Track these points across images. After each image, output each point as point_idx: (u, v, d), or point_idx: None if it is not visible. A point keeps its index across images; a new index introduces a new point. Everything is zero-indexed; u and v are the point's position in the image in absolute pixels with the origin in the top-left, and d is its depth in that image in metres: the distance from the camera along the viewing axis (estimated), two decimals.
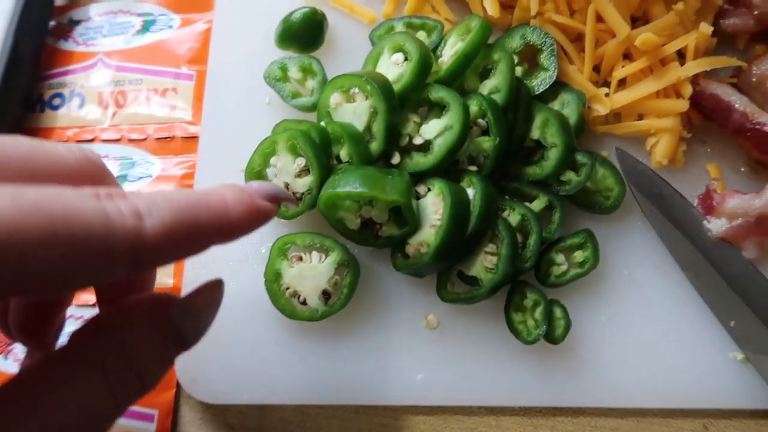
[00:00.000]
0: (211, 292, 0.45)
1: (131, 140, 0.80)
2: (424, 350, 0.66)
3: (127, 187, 0.77)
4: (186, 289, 0.69)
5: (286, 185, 0.66)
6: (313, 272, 0.65)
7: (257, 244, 0.70)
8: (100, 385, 0.36)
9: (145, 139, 0.80)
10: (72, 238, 0.30)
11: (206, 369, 0.66)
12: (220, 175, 0.73)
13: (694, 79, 0.71)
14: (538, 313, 0.64)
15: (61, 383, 0.35)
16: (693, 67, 0.69)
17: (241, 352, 0.66)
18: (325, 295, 0.65)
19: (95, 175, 0.41)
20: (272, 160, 0.67)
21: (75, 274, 0.31)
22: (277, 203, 0.44)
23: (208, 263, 0.69)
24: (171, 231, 0.34)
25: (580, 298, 0.67)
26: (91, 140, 0.80)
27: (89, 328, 0.39)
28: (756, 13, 0.73)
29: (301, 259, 0.66)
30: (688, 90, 0.70)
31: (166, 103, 0.82)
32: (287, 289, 0.65)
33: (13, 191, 0.29)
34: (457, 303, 0.65)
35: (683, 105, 0.69)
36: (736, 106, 0.69)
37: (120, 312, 0.40)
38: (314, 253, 0.66)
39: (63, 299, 0.50)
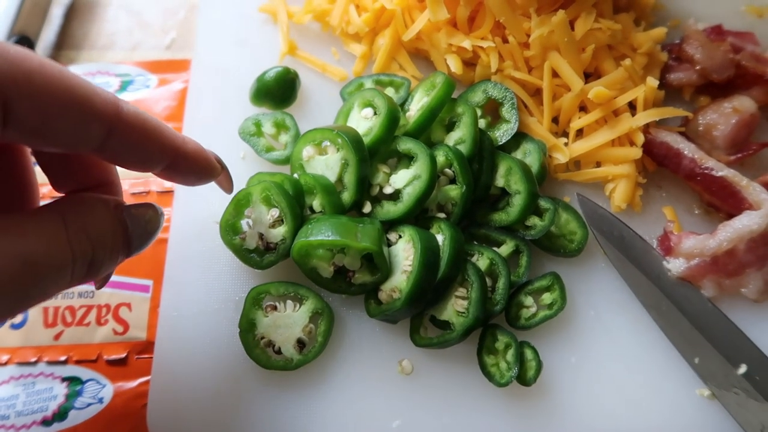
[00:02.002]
0: (151, 210, 0.53)
1: None
2: (399, 396, 0.66)
3: None
4: (160, 341, 0.68)
5: (261, 235, 0.67)
6: (287, 321, 0.66)
7: (231, 294, 0.70)
8: (59, 231, 0.43)
9: None
10: (63, 86, 0.40)
11: (177, 420, 0.65)
12: (195, 227, 0.74)
13: (646, 129, 0.76)
14: (510, 355, 0.65)
15: (28, 218, 0.43)
16: (643, 117, 0.74)
17: (214, 403, 0.66)
18: (300, 343, 0.66)
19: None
20: (247, 212, 0.68)
21: (63, 118, 0.41)
22: (220, 166, 0.56)
23: (182, 315, 0.69)
24: (141, 121, 0.46)
25: (549, 340, 0.69)
26: None
27: (56, 200, 0.47)
28: (698, 68, 0.79)
29: (275, 308, 0.66)
30: (640, 138, 0.74)
31: None
32: (262, 338, 0.66)
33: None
34: (430, 347, 0.66)
35: (637, 152, 0.74)
36: (686, 152, 0.73)
37: (84, 196, 0.48)
38: (288, 301, 0.67)
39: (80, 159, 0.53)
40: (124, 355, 0.72)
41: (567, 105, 0.75)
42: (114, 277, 0.75)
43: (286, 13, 0.85)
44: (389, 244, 0.67)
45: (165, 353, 0.68)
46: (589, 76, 0.79)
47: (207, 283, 0.71)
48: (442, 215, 0.69)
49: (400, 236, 0.67)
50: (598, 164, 0.77)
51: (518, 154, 0.75)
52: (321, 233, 0.63)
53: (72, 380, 0.70)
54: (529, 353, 0.66)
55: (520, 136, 0.75)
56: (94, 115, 0.42)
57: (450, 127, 0.74)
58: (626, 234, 0.72)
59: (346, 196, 0.68)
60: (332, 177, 0.69)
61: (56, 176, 0.52)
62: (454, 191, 0.69)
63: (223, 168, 0.55)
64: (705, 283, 0.70)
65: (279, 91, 0.80)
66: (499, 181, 0.71)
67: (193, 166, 0.52)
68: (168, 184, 0.82)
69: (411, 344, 0.67)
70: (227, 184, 0.61)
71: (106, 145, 0.44)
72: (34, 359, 0.71)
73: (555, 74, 0.76)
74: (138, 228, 0.50)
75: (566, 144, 0.76)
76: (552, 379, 0.67)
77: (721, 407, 0.66)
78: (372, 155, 0.69)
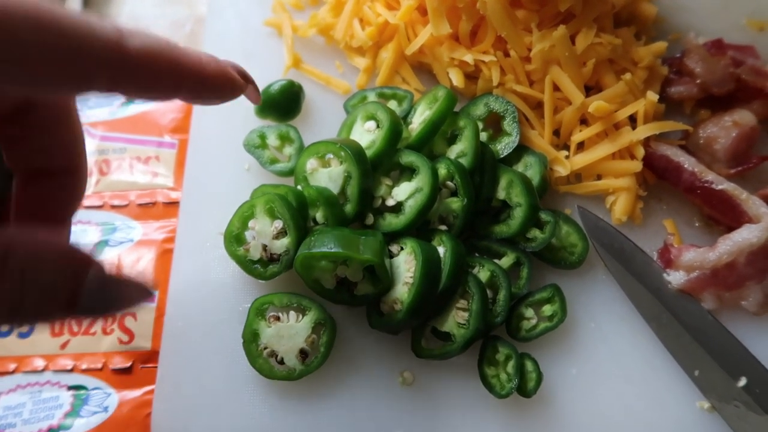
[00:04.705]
0: (138, 283, 0.42)
1: (113, 206, 0.82)
2: (401, 407, 0.67)
3: (108, 252, 0.79)
4: (165, 351, 0.69)
5: (264, 246, 0.68)
6: (290, 332, 0.67)
7: (235, 304, 0.71)
8: None
9: (127, 205, 0.82)
10: (57, 25, 0.34)
11: (181, 429, 0.66)
12: (200, 238, 0.75)
13: (646, 142, 0.76)
14: (510, 366, 0.66)
15: None
16: (643, 131, 0.75)
17: (217, 413, 0.66)
18: (303, 354, 0.66)
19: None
20: (251, 223, 0.69)
21: (59, 64, 0.35)
22: (245, 80, 0.49)
23: (186, 325, 0.70)
24: (150, 54, 0.38)
25: (550, 352, 0.70)
26: None
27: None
28: (699, 81, 0.80)
29: (278, 318, 0.67)
30: (640, 152, 0.75)
31: (148, 171, 0.85)
32: (265, 348, 0.66)
33: None
34: (431, 358, 0.67)
35: (637, 165, 0.74)
36: (686, 166, 0.74)
37: (41, 238, 0.39)
38: (291, 312, 0.68)
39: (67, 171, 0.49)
40: (129, 364, 0.73)
41: (568, 118, 0.76)
42: None
43: (291, 27, 0.86)
44: (391, 256, 0.68)
45: (169, 363, 0.69)
46: (590, 89, 0.79)
47: (211, 293, 0.72)
48: (443, 227, 0.70)
49: (402, 248, 0.68)
50: (599, 177, 0.77)
51: (519, 167, 0.76)
52: (324, 245, 0.64)
53: (78, 389, 0.71)
54: (529, 365, 0.67)
55: (521, 149, 0.76)
56: (90, 52, 0.36)
57: (452, 140, 0.75)
58: (627, 246, 0.73)
59: (349, 208, 0.69)
60: (335, 189, 0.70)
61: (12, 149, 0.46)
62: (456, 204, 0.70)
63: (249, 81, 0.51)
64: (705, 295, 0.70)
65: (283, 103, 0.81)
66: (501, 194, 0.72)
67: (215, 89, 0.46)
68: (174, 195, 0.83)
69: (412, 355, 0.68)
70: (255, 96, 0.56)
71: (111, 85, 0.38)
72: (40, 368, 0.72)
73: (556, 88, 0.77)
74: (98, 299, 0.40)
75: (567, 157, 0.76)
76: (552, 391, 0.68)
77: (721, 420, 0.66)
78: (374, 168, 0.70)
